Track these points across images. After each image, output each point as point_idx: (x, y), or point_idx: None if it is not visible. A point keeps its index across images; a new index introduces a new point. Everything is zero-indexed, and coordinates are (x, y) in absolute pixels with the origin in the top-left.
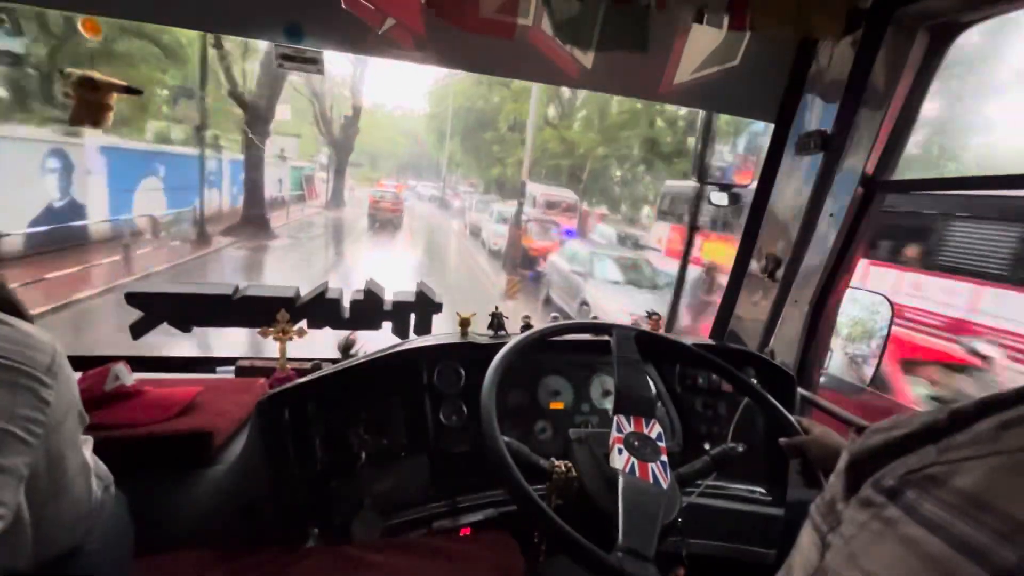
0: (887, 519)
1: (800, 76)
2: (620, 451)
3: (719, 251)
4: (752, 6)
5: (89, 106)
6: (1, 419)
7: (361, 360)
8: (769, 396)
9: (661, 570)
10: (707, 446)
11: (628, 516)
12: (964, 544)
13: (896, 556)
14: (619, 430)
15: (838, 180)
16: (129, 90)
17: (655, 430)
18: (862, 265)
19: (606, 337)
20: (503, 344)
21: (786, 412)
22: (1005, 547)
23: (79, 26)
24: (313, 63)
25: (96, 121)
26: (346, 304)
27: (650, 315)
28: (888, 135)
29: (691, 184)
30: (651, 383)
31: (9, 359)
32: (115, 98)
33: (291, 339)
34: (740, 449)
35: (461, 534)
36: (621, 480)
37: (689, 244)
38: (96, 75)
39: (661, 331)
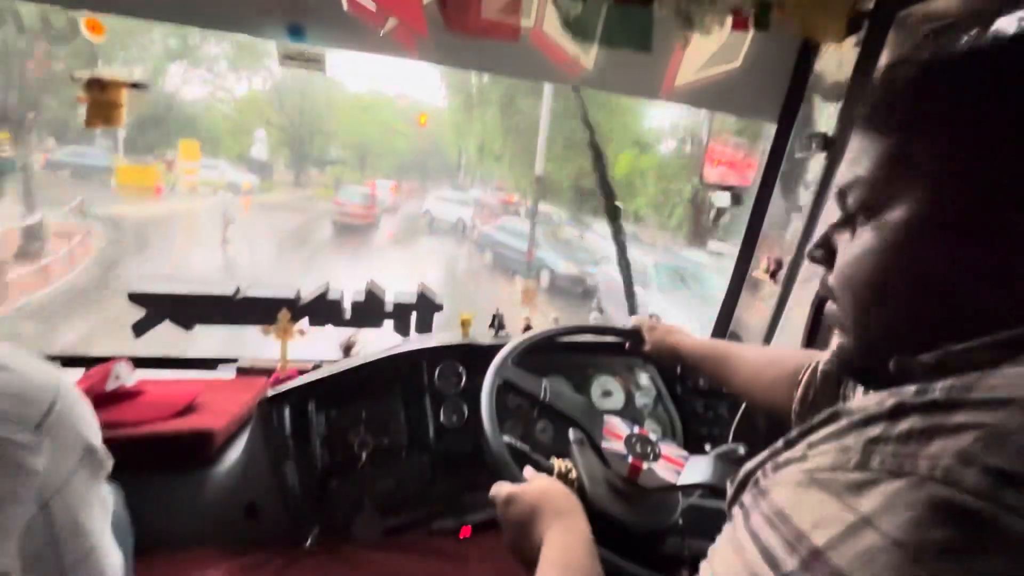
0: (733, 514)
1: (802, 77)
2: (625, 457)
3: None
4: (754, 7)
5: (100, 106)
6: None
7: (362, 360)
8: (602, 325)
9: (662, 571)
10: (708, 447)
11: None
12: (768, 553)
13: (727, 554)
14: (618, 430)
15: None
16: (136, 86)
17: (618, 423)
18: None
19: (607, 339)
20: (504, 345)
21: (619, 326)
22: (791, 555)
23: (81, 25)
24: (316, 62)
25: (109, 120)
26: (347, 305)
27: (649, 316)
28: None
29: None
30: (652, 384)
31: None
32: (124, 95)
33: (292, 338)
34: (741, 451)
35: (461, 534)
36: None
37: None
38: (102, 75)
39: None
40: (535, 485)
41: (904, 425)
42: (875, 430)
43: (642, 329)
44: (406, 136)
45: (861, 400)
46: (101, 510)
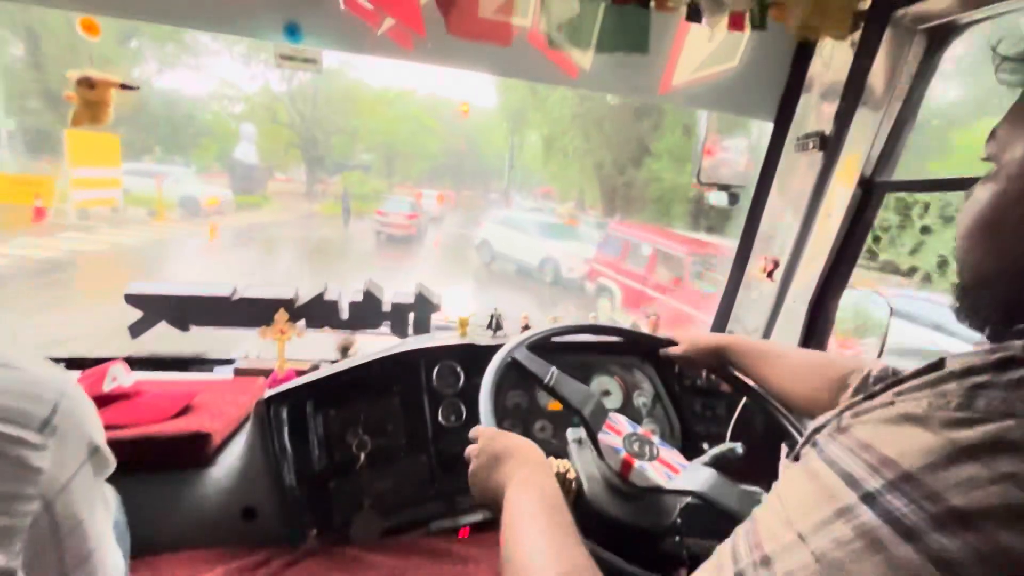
0: (801, 456)
1: (799, 77)
2: (618, 451)
3: None
4: (750, 7)
5: (89, 105)
6: None
7: (360, 361)
8: (625, 327)
9: (660, 571)
10: (706, 446)
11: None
12: (848, 475)
13: (799, 481)
14: (619, 427)
15: (836, 180)
16: (125, 86)
17: (622, 421)
18: None
19: (606, 339)
20: (502, 344)
21: (648, 332)
22: (875, 477)
23: (77, 26)
24: (312, 63)
25: (96, 119)
26: (344, 306)
27: (648, 316)
28: (886, 136)
29: None
30: (651, 384)
31: None
32: (112, 94)
33: (290, 339)
34: (739, 450)
35: (460, 535)
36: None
37: None
38: (92, 73)
39: (659, 331)
40: (513, 435)
41: (1013, 375)
42: (980, 379)
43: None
44: (439, 136)
45: (959, 355)
46: (103, 511)
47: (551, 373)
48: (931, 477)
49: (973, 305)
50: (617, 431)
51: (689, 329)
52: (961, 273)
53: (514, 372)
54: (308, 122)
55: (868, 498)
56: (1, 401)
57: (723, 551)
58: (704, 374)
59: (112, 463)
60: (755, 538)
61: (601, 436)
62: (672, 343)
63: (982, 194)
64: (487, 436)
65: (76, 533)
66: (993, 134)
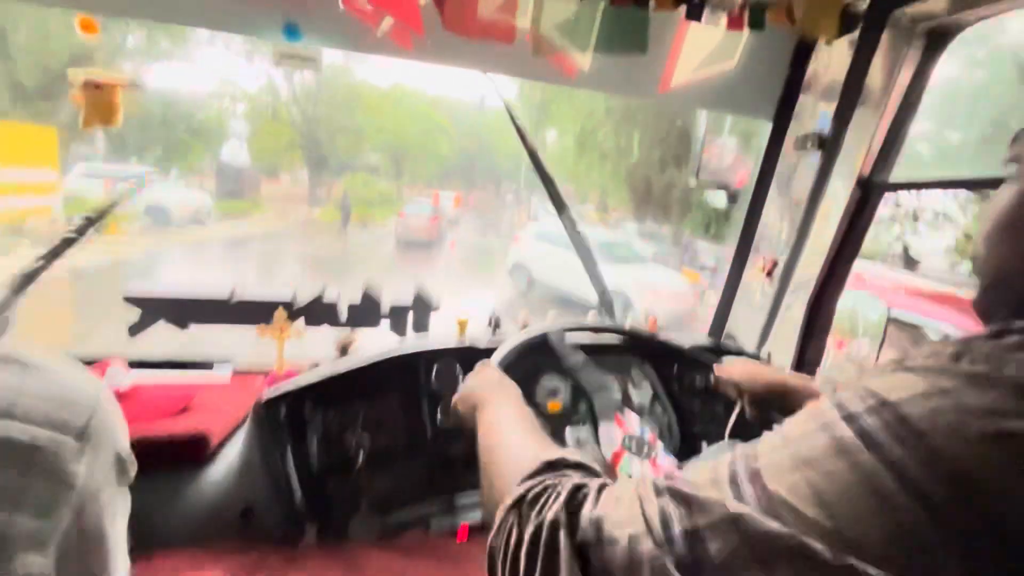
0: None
1: (798, 77)
2: (614, 443)
3: None
4: (750, 7)
5: (97, 107)
6: (2, 512)
7: (359, 361)
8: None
9: None
10: (704, 446)
11: None
12: (840, 403)
13: (800, 415)
14: (627, 424)
15: (835, 180)
16: (133, 86)
17: (633, 421)
18: None
19: (605, 339)
20: (500, 344)
21: (651, 333)
22: (860, 403)
23: (75, 24)
24: (311, 62)
25: (107, 120)
26: (343, 308)
27: (647, 316)
28: (884, 136)
29: None
30: (649, 384)
31: (30, 427)
32: (120, 95)
33: (288, 338)
34: None
35: (458, 535)
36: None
37: None
38: (97, 75)
39: (658, 331)
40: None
41: (1006, 340)
42: (975, 343)
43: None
44: (450, 135)
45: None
46: (122, 518)
47: (578, 360)
48: (906, 404)
49: (994, 301)
50: (623, 426)
51: (735, 360)
52: (983, 270)
53: (536, 353)
54: (311, 120)
55: (849, 418)
56: (41, 407)
57: (720, 464)
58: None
59: (133, 470)
60: (752, 450)
61: (606, 424)
62: (708, 365)
63: (1006, 194)
64: (483, 364)
65: (99, 542)
66: (1017, 137)
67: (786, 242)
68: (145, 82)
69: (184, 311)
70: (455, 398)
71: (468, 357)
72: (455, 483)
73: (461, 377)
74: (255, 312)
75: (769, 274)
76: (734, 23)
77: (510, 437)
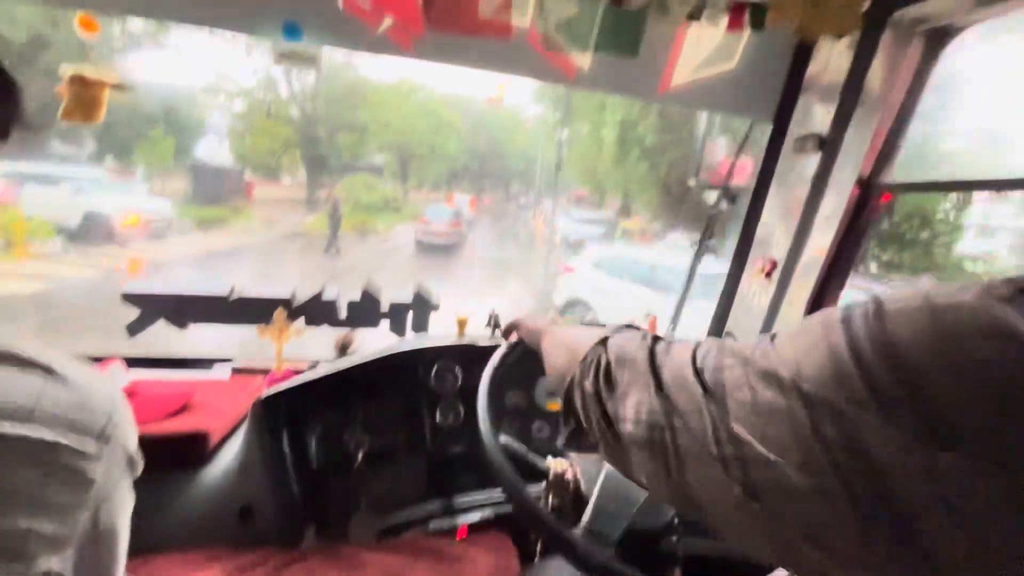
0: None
1: (797, 78)
2: None
3: None
4: (750, 8)
5: (81, 101)
6: (24, 515)
7: (358, 360)
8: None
9: (656, 571)
10: None
11: (600, 502)
12: (848, 316)
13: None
14: None
15: (834, 181)
16: (119, 87)
17: None
18: None
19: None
20: (500, 344)
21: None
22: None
23: (75, 22)
24: (311, 61)
25: (88, 116)
26: (342, 306)
27: (647, 315)
28: (884, 137)
29: None
30: None
31: (50, 431)
32: (107, 93)
33: (288, 339)
34: None
35: (458, 535)
36: (604, 470)
37: None
38: (86, 71)
39: (656, 331)
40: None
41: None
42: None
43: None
44: (460, 133)
45: None
46: (128, 517)
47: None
48: (889, 302)
49: None
50: None
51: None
52: None
53: (509, 376)
54: (309, 116)
55: (846, 307)
56: (63, 412)
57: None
58: None
59: (140, 467)
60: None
61: None
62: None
63: None
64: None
65: (111, 541)
66: None
67: (786, 243)
68: (133, 80)
69: (183, 310)
70: (517, 325)
71: (468, 355)
72: (454, 483)
73: (460, 376)
74: (254, 311)
75: (768, 275)
76: (734, 23)
77: (579, 331)
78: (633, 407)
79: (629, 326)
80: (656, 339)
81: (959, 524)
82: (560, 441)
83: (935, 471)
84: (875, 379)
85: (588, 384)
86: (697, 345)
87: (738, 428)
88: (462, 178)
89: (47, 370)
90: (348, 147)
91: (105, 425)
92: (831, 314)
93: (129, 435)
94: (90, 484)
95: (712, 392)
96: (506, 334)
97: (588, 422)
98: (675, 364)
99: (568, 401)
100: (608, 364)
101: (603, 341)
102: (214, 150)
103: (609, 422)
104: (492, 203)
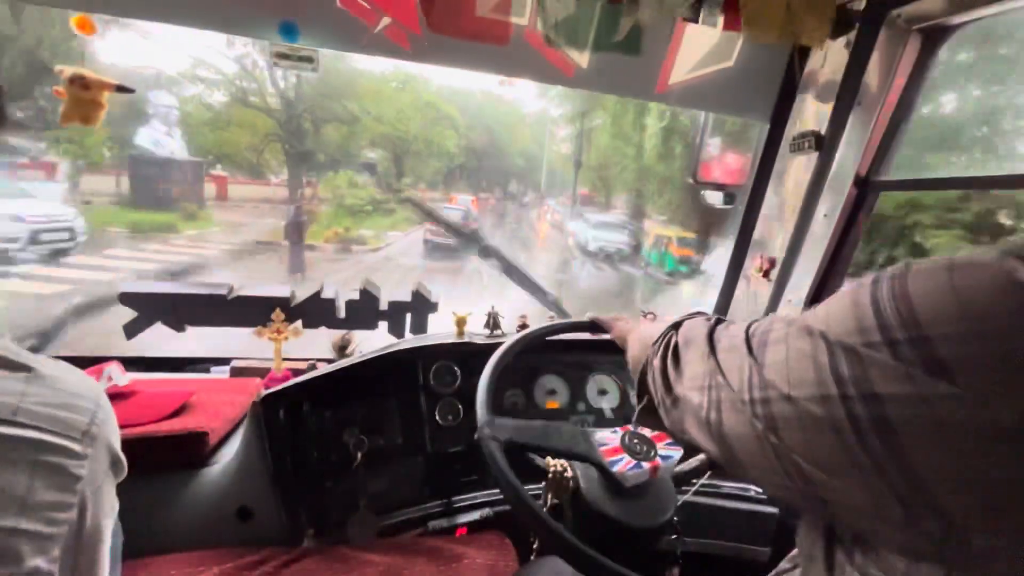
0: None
1: (794, 77)
2: (615, 450)
3: None
4: (746, 8)
5: (80, 104)
6: (9, 514)
7: (356, 360)
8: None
9: (657, 570)
10: None
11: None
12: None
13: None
14: (611, 443)
15: (832, 180)
16: (122, 89)
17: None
18: None
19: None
20: (499, 344)
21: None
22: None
23: (71, 23)
24: (308, 62)
25: (87, 118)
26: (341, 305)
27: (645, 314)
28: (881, 136)
29: None
30: None
31: (34, 430)
32: (107, 96)
33: (287, 339)
34: None
35: (457, 534)
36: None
37: None
38: (88, 73)
39: None
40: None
41: None
42: None
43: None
44: (458, 126)
45: None
46: (113, 518)
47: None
48: (915, 264)
49: None
50: (615, 449)
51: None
52: None
53: (507, 375)
54: (293, 108)
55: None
56: (46, 412)
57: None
58: None
59: (125, 470)
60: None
61: (612, 467)
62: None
63: None
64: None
65: (95, 540)
66: None
67: (783, 242)
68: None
69: (181, 310)
70: (607, 326)
71: (466, 355)
72: (453, 483)
73: (459, 375)
74: (253, 311)
75: (766, 274)
76: (730, 23)
77: (656, 324)
78: (690, 376)
79: (699, 313)
80: (720, 320)
81: (943, 445)
82: (634, 419)
83: (930, 398)
84: (888, 326)
85: (657, 361)
86: (757, 319)
87: (769, 374)
88: (457, 177)
89: (29, 370)
90: (336, 142)
91: (89, 424)
92: (865, 278)
93: (113, 434)
94: (76, 482)
95: (754, 349)
96: (592, 329)
97: (655, 396)
98: (730, 334)
99: (642, 382)
100: (676, 344)
101: (675, 325)
102: (160, 141)
103: (670, 391)
104: (495, 204)
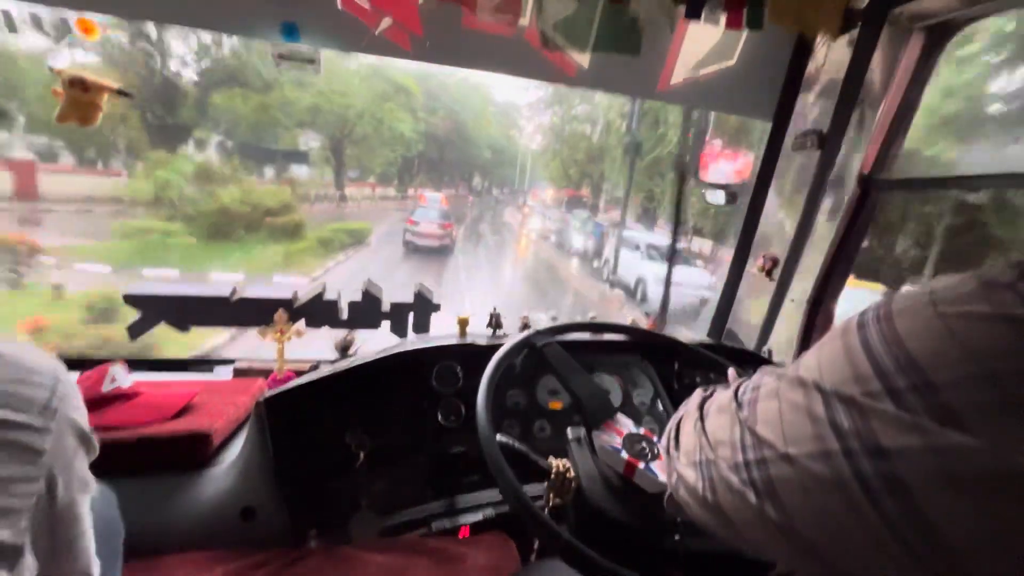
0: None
1: (797, 75)
2: (619, 451)
3: None
4: (748, 6)
5: (78, 105)
6: None
7: (359, 361)
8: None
9: (658, 569)
10: None
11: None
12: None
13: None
14: (618, 431)
15: (834, 179)
16: (122, 92)
17: (627, 423)
18: None
19: (604, 336)
20: (501, 344)
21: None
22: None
23: (73, 26)
24: (310, 62)
25: (84, 119)
26: (344, 306)
27: (647, 314)
28: (884, 134)
29: None
30: (650, 382)
31: None
32: (106, 99)
33: (289, 339)
34: None
35: (459, 535)
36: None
37: None
38: (87, 76)
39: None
40: None
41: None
42: None
43: None
44: (419, 104)
45: None
46: (87, 495)
47: (570, 364)
48: (897, 301)
49: None
50: (619, 431)
51: None
52: None
53: (522, 362)
54: (158, 70)
55: (862, 313)
56: (3, 387)
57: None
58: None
59: (96, 448)
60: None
61: (600, 434)
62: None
63: None
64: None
65: (69, 516)
66: None
67: (786, 241)
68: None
69: (185, 311)
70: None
71: (468, 356)
72: (455, 483)
73: (462, 376)
74: (256, 312)
75: (769, 273)
76: (732, 22)
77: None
78: (684, 452)
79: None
80: (716, 390)
81: (961, 498)
82: (666, 506)
83: (940, 448)
84: (886, 373)
85: (664, 441)
86: (745, 379)
87: (763, 431)
88: (411, 170)
89: None
90: (237, 116)
91: (49, 398)
92: (850, 321)
93: (77, 409)
94: (38, 456)
95: (743, 407)
96: None
97: (669, 481)
98: (719, 399)
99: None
100: (678, 425)
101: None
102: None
103: (673, 471)
104: (465, 201)
